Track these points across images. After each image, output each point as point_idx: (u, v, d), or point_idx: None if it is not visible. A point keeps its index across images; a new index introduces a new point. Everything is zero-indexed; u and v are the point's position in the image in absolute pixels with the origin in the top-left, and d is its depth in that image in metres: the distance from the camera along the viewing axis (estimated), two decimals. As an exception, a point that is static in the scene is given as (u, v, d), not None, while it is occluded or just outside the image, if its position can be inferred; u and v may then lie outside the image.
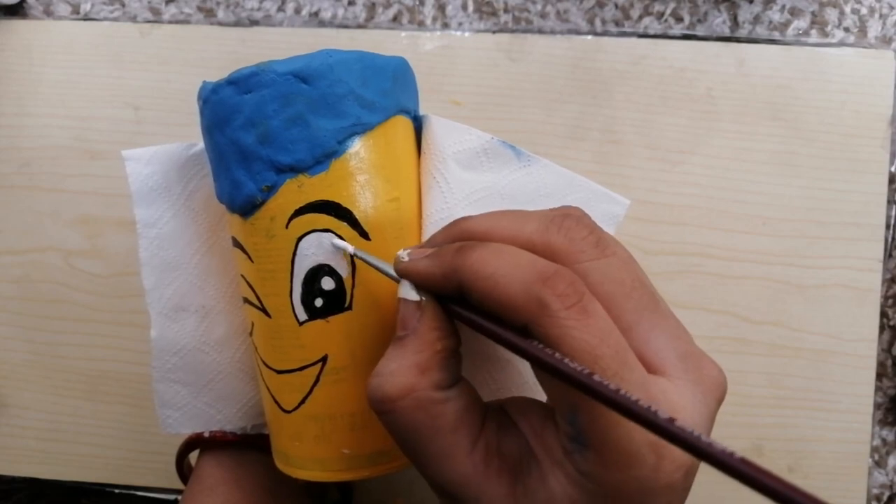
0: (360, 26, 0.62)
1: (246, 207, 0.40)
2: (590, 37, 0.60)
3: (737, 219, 0.59)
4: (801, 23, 0.61)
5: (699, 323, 0.59)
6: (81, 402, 0.63)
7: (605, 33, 0.61)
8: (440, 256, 0.35)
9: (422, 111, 0.45)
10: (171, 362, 0.48)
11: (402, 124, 0.42)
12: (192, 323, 0.47)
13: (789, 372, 0.59)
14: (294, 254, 0.39)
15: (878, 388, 0.61)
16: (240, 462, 0.51)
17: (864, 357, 0.59)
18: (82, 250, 0.62)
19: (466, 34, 0.60)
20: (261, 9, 0.62)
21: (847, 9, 0.61)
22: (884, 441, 0.61)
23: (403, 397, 0.33)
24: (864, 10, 0.61)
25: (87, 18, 0.63)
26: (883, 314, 0.61)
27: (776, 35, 0.61)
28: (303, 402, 0.41)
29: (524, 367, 0.43)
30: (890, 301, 0.61)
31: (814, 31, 0.61)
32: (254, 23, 0.62)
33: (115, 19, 0.63)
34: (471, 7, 0.62)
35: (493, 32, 0.60)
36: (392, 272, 0.37)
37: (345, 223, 0.39)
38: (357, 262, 0.39)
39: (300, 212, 0.39)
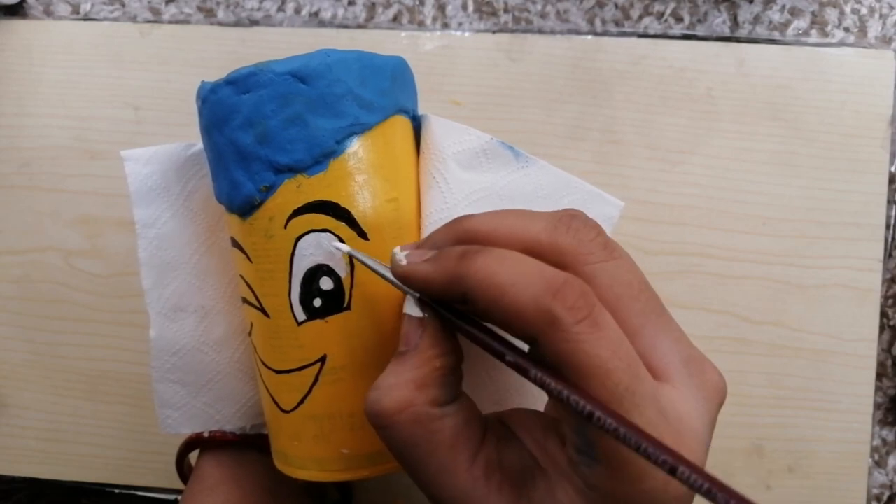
0: (360, 26, 0.62)
1: (244, 207, 0.40)
2: (590, 37, 0.60)
3: (737, 219, 0.59)
4: (801, 23, 0.61)
5: (699, 323, 0.59)
6: (81, 402, 0.63)
7: (605, 33, 0.61)
8: (442, 262, 0.34)
9: (422, 111, 0.45)
10: (171, 362, 0.48)
11: (401, 124, 0.42)
12: (191, 323, 0.47)
13: (789, 372, 0.59)
14: (292, 254, 0.39)
15: (878, 388, 0.61)
16: (239, 462, 0.51)
17: (864, 357, 0.59)
18: (82, 250, 0.62)
19: (466, 34, 0.60)
20: (261, 9, 0.62)
21: (847, 9, 0.61)
22: (884, 441, 0.61)
23: (400, 412, 0.33)
24: (864, 10, 0.61)
25: (87, 18, 0.63)
26: (883, 314, 0.61)
27: (776, 35, 0.61)
28: (302, 402, 0.41)
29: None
30: (890, 301, 0.61)
31: (814, 31, 0.61)
32: (254, 23, 0.62)
33: (115, 19, 0.63)
34: (471, 7, 0.62)
35: (493, 32, 0.60)
36: (392, 277, 0.36)
37: (343, 223, 0.39)
38: (356, 262, 0.39)
39: (299, 212, 0.39)
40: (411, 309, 0.36)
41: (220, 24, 0.62)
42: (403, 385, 0.34)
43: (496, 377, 0.43)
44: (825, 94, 0.59)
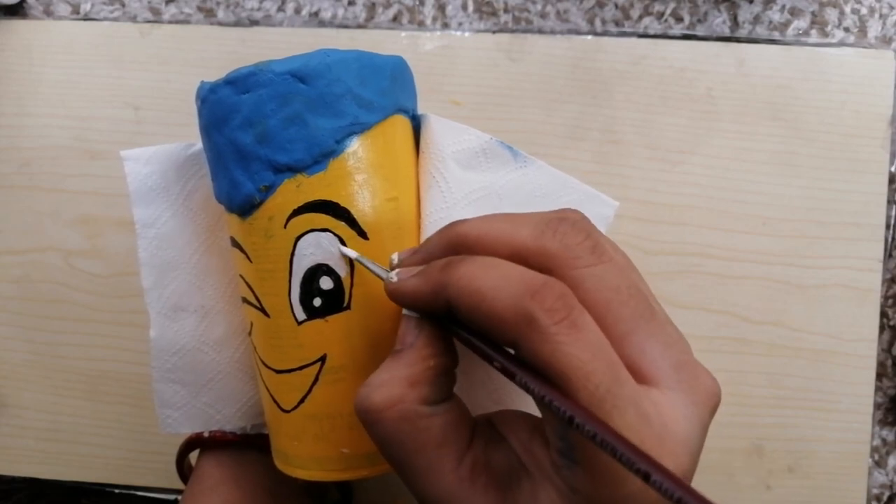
0: (360, 26, 0.62)
1: (244, 207, 0.40)
2: (590, 37, 0.60)
3: (737, 219, 0.59)
4: (801, 23, 0.61)
5: (699, 323, 0.59)
6: (81, 402, 0.63)
7: (605, 33, 0.61)
8: (427, 274, 0.34)
9: (422, 111, 0.45)
10: (171, 362, 0.48)
11: (401, 124, 0.42)
12: (191, 323, 0.47)
13: (789, 372, 0.59)
14: (292, 253, 0.39)
15: (878, 388, 0.61)
16: (240, 462, 0.51)
17: (864, 357, 0.59)
18: (82, 250, 0.62)
19: (466, 34, 0.60)
20: (261, 9, 0.62)
21: (847, 9, 0.61)
22: (884, 441, 0.61)
23: (389, 408, 0.33)
24: (864, 10, 0.61)
25: (87, 18, 0.63)
26: (883, 314, 0.61)
27: (776, 35, 0.61)
28: (302, 401, 0.41)
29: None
30: (890, 301, 0.61)
31: (814, 31, 0.61)
32: (254, 23, 0.62)
33: (115, 19, 0.63)
34: (471, 7, 0.62)
35: (493, 32, 0.60)
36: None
37: (343, 223, 0.39)
38: (356, 261, 0.39)
39: (298, 211, 0.39)
40: (409, 310, 0.36)
41: (220, 24, 0.62)
42: (395, 381, 0.34)
43: (494, 374, 0.43)
44: (825, 94, 0.59)
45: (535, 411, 0.35)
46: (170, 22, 0.63)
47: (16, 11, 0.63)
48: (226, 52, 0.61)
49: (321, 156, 0.39)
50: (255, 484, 0.51)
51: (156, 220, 0.46)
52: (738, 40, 0.60)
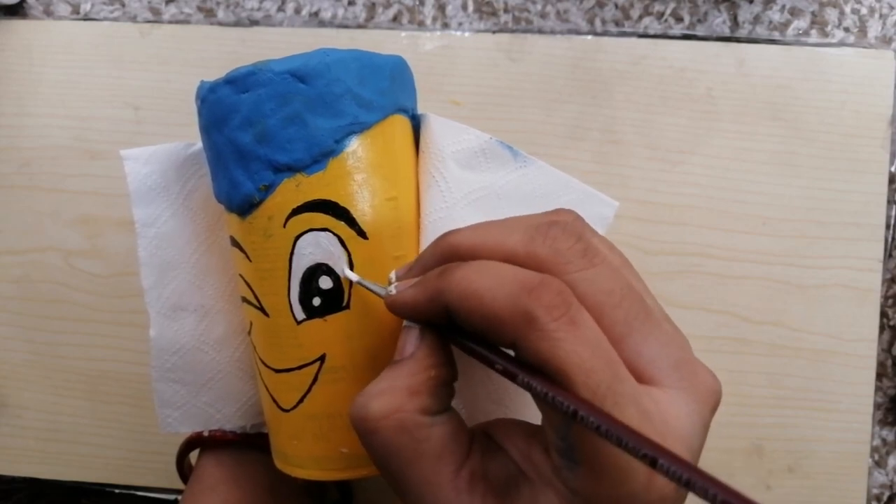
0: (360, 26, 0.62)
1: (244, 207, 0.40)
2: (590, 37, 0.60)
3: (737, 219, 0.59)
4: (801, 23, 0.61)
5: (699, 323, 0.59)
6: (81, 402, 0.63)
7: (605, 33, 0.61)
8: (425, 282, 0.34)
9: (421, 111, 0.45)
10: (171, 361, 0.48)
11: (400, 123, 0.42)
12: (191, 322, 0.47)
13: (789, 372, 0.59)
14: (292, 253, 0.39)
15: (878, 388, 0.61)
16: (240, 461, 0.51)
17: (864, 357, 0.59)
18: (82, 250, 0.62)
19: (466, 34, 0.60)
20: (261, 9, 0.62)
21: (847, 9, 0.61)
22: (884, 441, 0.61)
23: (387, 417, 0.33)
24: (864, 10, 0.61)
25: (87, 18, 0.63)
26: (883, 314, 0.61)
27: (776, 35, 0.61)
28: (301, 401, 0.41)
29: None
30: (890, 301, 0.61)
31: (814, 31, 0.61)
32: (254, 23, 0.62)
33: (115, 19, 0.63)
34: (471, 7, 0.62)
35: (493, 32, 0.60)
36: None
37: (342, 222, 0.39)
38: (355, 260, 0.39)
39: (298, 211, 0.39)
40: (409, 320, 0.36)
41: (220, 24, 0.62)
42: (394, 391, 0.33)
43: (494, 377, 0.43)
44: (825, 94, 0.59)
45: (534, 415, 0.35)
46: (170, 22, 0.63)
47: (16, 11, 0.63)
48: (226, 52, 0.61)
49: (320, 155, 0.39)
50: (255, 483, 0.51)
51: (156, 220, 0.46)
52: (738, 40, 0.60)
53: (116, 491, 0.64)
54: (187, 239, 0.47)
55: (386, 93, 0.41)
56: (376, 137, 0.40)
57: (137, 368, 0.62)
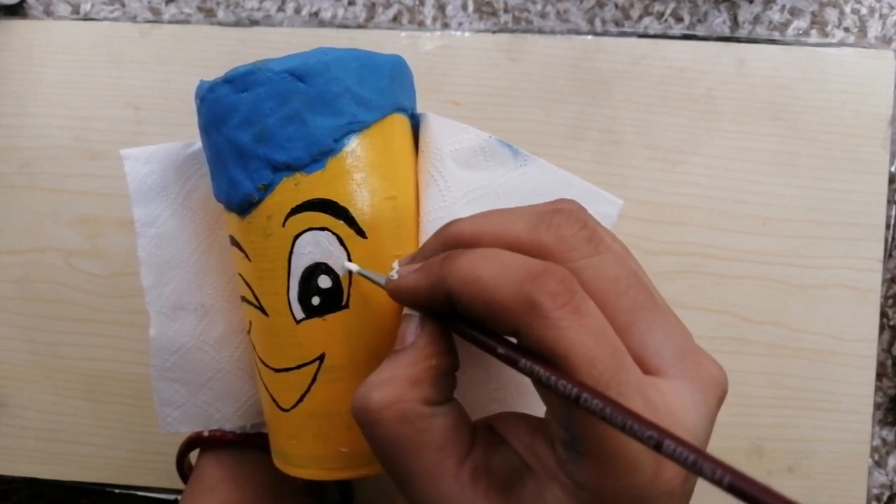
0: (360, 26, 0.62)
1: (243, 206, 0.40)
2: (590, 37, 0.60)
3: (737, 219, 0.59)
4: (801, 23, 0.61)
5: (699, 323, 0.59)
6: (81, 402, 0.63)
7: (605, 33, 0.61)
8: (426, 269, 0.34)
9: (421, 111, 0.45)
10: (171, 361, 0.48)
11: (399, 122, 0.42)
12: (190, 321, 0.47)
13: (789, 372, 0.59)
14: (291, 252, 0.39)
15: (878, 388, 0.61)
16: (240, 461, 0.51)
17: (864, 357, 0.59)
18: (82, 250, 0.62)
19: (466, 34, 0.60)
20: (261, 9, 0.62)
21: (847, 9, 0.61)
22: (884, 441, 0.61)
23: (389, 407, 0.32)
24: (864, 10, 0.61)
25: (87, 18, 0.63)
26: (883, 314, 0.61)
27: (776, 35, 0.61)
28: (300, 400, 0.41)
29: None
30: (890, 301, 0.61)
31: (814, 31, 0.61)
32: (254, 23, 0.62)
33: (115, 19, 0.63)
34: (471, 7, 0.62)
35: (493, 32, 0.60)
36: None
37: (341, 221, 0.39)
38: (354, 259, 0.39)
39: (297, 210, 0.39)
40: (410, 308, 0.36)
41: (220, 24, 0.62)
42: (396, 380, 0.33)
43: (495, 374, 0.43)
44: (825, 94, 0.59)
45: (537, 412, 0.35)
46: (170, 22, 0.63)
47: (16, 11, 0.63)
48: (226, 52, 0.61)
49: (319, 154, 0.38)
50: (255, 483, 0.51)
51: (155, 219, 0.46)
52: (738, 40, 0.60)
53: (116, 491, 0.64)
54: (187, 238, 0.47)
55: (385, 92, 0.41)
56: (375, 136, 0.40)
57: (137, 368, 0.62)
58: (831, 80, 0.59)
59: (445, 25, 0.62)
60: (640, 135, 0.59)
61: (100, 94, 0.62)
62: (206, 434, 0.51)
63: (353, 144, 0.39)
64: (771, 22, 0.61)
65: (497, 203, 0.43)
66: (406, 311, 0.36)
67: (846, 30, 0.61)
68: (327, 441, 0.41)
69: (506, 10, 0.61)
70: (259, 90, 0.38)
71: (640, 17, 0.61)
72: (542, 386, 0.30)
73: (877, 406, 0.61)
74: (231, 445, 0.51)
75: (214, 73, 0.41)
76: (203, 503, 0.50)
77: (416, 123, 0.45)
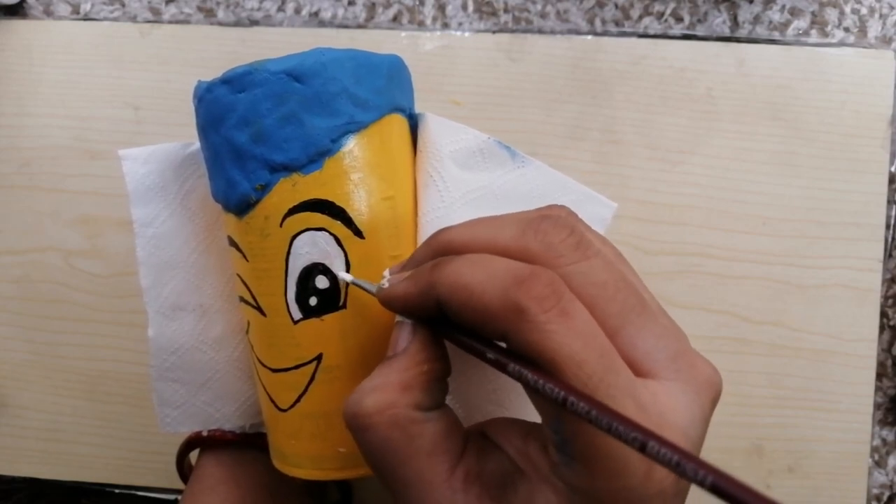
0: (360, 26, 0.62)
1: (240, 206, 0.40)
2: (590, 37, 0.60)
3: (737, 219, 0.59)
4: (801, 23, 0.61)
5: (699, 323, 0.59)
6: (81, 402, 0.63)
7: (605, 33, 0.61)
8: (417, 276, 0.34)
9: (421, 111, 0.45)
10: (170, 361, 0.48)
11: (397, 122, 0.42)
12: (189, 321, 0.47)
13: (789, 372, 0.59)
14: (288, 252, 0.39)
15: (878, 388, 0.61)
16: (239, 461, 0.51)
17: (864, 357, 0.59)
18: (82, 250, 0.62)
19: (466, 34, 0.60)
20: (261, 9, 0.62)
21: (847, 9, 0.61)
22: (884, 441, 0.61)
23: (380, 413, 0.32)
24: (864, 10, 0.61)
25: (87, 18, 0.63)
26: (883, 314, 0.60)
27: (776, 35, 0.61)
28: (298, 400, 0.41)
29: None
30: (890, 301, 0.61)
31: (814, 31, 0.61)
32: (254, 23, 0.62)
33: (115, 19, 0.63)
34: (471, 7, 0.62)
35: (493, 32, 0.60)
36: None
37: (339, 222, 0.39)
38: (352, 260, 0.39)
39: (294, 210, 0.39)
40: (402, 315, 0.36)
41: (220, 24, 0.62)
42: (388, 386, 0.33)
43: (493, 376, 0.43)
44: (825, 94, 0.59)
45: (533, 416, 0.35)
46: (170, 22, 0.63)
47: (16, 11, 0.63)
48: (226, 52, 0.61)
49: (317, 155, 0.38)
50: (254, 483, 0.51)
51: (154, 220, 0.46)
52: (738, 40, 0.60)
53: (116, 491, 0.64)
54: (185, 238, 0.47)
55: (382, 92, 0.41)
56: (373, 137, 0.40)
57: (137, 368, 0.62)
58: (831, 80, 0.59)
59: (445, 25, 0.62)
60: (640, 135, 0.59)
61: (100, 94, 0.62)
62: (205, 434, 0.51)
63: (351, 145, 0.39)
64: (771, 22, 0.61)
65: (495, 204, 0.43)
66: (399, 318, 0.36)
67: (846, 30, 0.61)
68: (325, 441, 0.41)
69: (506, 10, 0.61)
70: (256, 91, 0.38)
71: (640, 17, 0.61)
72: (530, 390, 0.30)
73: (877, 406, 0.61)
74: (230, 445, 0.51)
75: (214, 73, 0.41)
76: (203, 503, 0.50)
77: (414, 123, 0.45)
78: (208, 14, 0.63)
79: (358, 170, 0.39)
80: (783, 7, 0.61)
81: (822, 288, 0.59)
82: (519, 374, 0.30)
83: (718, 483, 0.23)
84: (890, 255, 0.60)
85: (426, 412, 0.33)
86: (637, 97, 0.59)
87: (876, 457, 0.61)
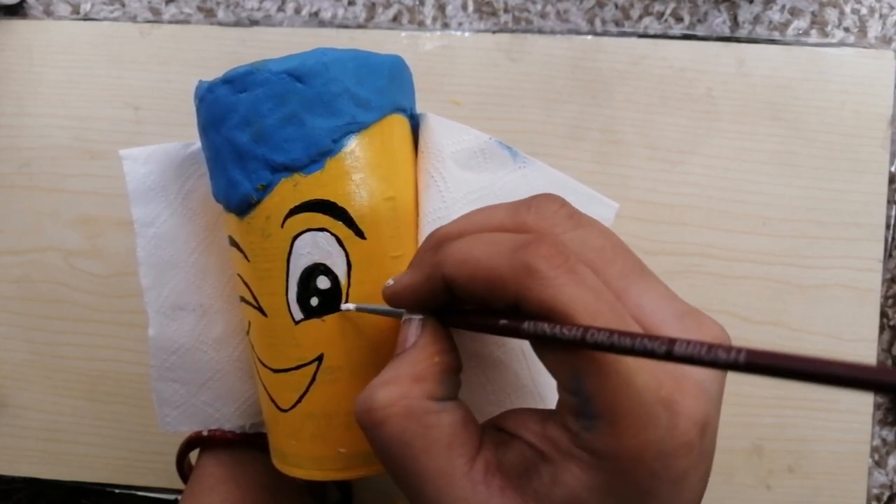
0: (360, 26, 0.62)
1: (242, 206, 0.40)
2: (590, 37, 0.60)
3: (737, 219, 0.59)
4: (801, 23, 0.61)
5: (699, 323, 0.59)
6: (81, 402, 0.63)
7: (605, 33, 0.61)
8: (419, 262, 0.34)
9: (422, 111, 0.45)
10: (170, 361, 0.48)
11: (398, 123, 0.42)
12: (190, 321, 0.47)
13: (789, 372, 0.59)
14: (289, 253, 0.39)
15: (878, 389, 0.61)
16: (239, 461, 0.51)
17: (864, 357, 0.59)
18: (82, 250, 0.62)
19: (466, 34, 0.60)
20: (261, 9, 0.62)
21: (847, 9, 0.61)
22: (884, 441, 0.61)
23: (394, 404, 0.32)
24: (864, 10, 0.61)
25: (87, 18, 0.63)
26: (883, 314, 0.60)
27: (776, 35, 0.61)
28: (299, 400, 0.41)
29: (519, 367, 0.43)
30: (890, 301, 0.61)
31: (814, 31, 0.61)
32: (254, 23, 0.62)
33: (115, 19, 0.63)
34: (471, 7, 0.62)
35: (493, 32, 0.60)
36: (392, 308, 0.37)
37: (340, 222, 0.39)
38: (353, 260, 0.39)
39: (295, 211, 0.39)
40: (409, 312, 0.36)
41: (220, 24, 0.62)
42: (400, 379, 0.33)
43: (494, 377, 0.43)
44: (825, 94, 0.59)
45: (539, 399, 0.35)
46: (170, 22, 0.63)
47: (16, 11, 0.63)
48: (226, 52, 0.61)
49: (318, 155, 0.38)
50: (255, 483, 0.51)
51: (154, 219, 0.46)
52: (738, 40, 0.60)
53: (116, 491, 0.64)
54: (186, 238, 0.47)
55: (384, 92, 0.41)
56: (374, 137, 0.40)
57: (137, 368, 0.62)
58: (831, 80, 0.59)
59: (445, 25, 0.62)
60: (640, 135, 0.59)
61: (100, 94, 0.62)
62: (205, 434, 0.51)
63: (352, 145, 0.39)
64: (771, 22, 0.61)
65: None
66: (405, 316, 0.36)
67: (846, 30, 0.61)
68: (326, 441, 0.41)
69: (506, 10, 0.61)
70: (257, 91, 0.38)
71: (640, 17, 0.61)
72: (546, 345, 0.31)
73: (877, 406, 0.61)
74: (231, 445, 0.51)
75: (214, 73, 0.41)
76: (203, 503, 0.50)
77: (415, 124, 0.45)
78: (208, 14, 0.63)
79: (359, 170, 0.39)
80: (783, 7, 0.61)
81: (822, 288, 0.59)
82: (535, 328, 0.29)
83: (752, 358, 0.23)
84: (890, 255, 0.60)
85: (441, 402, 0.33)
86: (637, 97, 0.59)
87: (876, 457, 0.61)
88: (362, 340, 0.40)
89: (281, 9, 0.62)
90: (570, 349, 0.29)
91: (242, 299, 0.43)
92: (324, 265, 0.39)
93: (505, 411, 0.36)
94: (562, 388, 0.31)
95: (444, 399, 0.34)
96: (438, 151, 0.43)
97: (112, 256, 0.62)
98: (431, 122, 0.44)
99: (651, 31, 0.61)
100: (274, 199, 0.39)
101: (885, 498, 0.61)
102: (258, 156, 0.39)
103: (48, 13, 0.64)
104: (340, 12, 0.62)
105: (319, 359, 0.40)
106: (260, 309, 0.41)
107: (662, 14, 0.61)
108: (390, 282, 0.36)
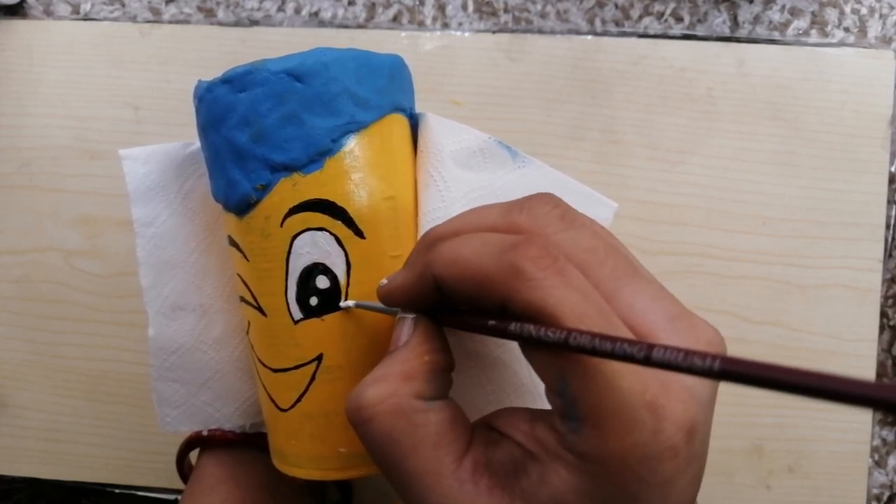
0: (360, 26, 0.62)
1: (241, 206, 0.40)
2: (590, 37, 0.60)
3: (737, 219, 0.59)
4: (801, 23, 0.61)
5: (699, 323, 0.59)
6: (81, 402, 0.63)
7: (605, 33, 0.61)
8: (412, 262, 0.34)
9: (421, 111, 0.45)
10: (170, 361, 0.48)
11: (398, 122, 0.42)
12: (189, 321, 0.47)
13: (789, 372, 0.59)
14: (289, 252, 0.39)
15: (878, 389, 0.61)
16: (240, 461, 0.51)
17: (864, 357, 0.59)
18: (82, 250, 0.62)
19: (466, 34, 0.60)
20: (261, 9, 0.62)
21: (847, 9, 0.61)
22: (884, 441, 0.61)
23: (383, 402, 0.32)
24: (864, 10, 0.61)
25: (87, 18, 0.63)
26: (883, 314, 0.60)
27: (776, 35, 0.61)
28: (298, 400, 0.41)
29: (518, 366, 0.43)
30: (890, 301, 0.61)
31: (814, 31, 0.61)
32: (254, 23, 0.62)
33: (115, 19, 0.63)
34: (471, 7, 0.62)
35: (493, 32, 0.60)
36: (386, 306, 0.37)
37: (339, 222, 0.39)
38: (352, 260, 0.39)
39: (295, 210, 0.39)
40: (402, 311, 0.36)
41: (220, 24, 0.62)
42: (389, 377, 0.33)
43: (492, 377, 0.43)
44: (825, 94, 0.59)
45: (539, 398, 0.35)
46: (170, 22, 0.63)
47: (16, 11, 0.63)
48: (226, 52, 0.61)
49: (317, 155, 0.39)
50: (255, 483, 0.51)
51: (154, 219, 0.46)
52: (738, 40, 0.60)
53: (116, 491, 0.64)
54: (186, 238, 0.47)
55: (383, 92, 0.41)
56: (374, 136, 0.40)
57: (137, 368, 0.62)
58: (831, 80, 0.59)
59: (445, 25, 0.62)
60: (640, 135, 0.59)
61: (100, 94, 0.62)
62: (205, 434, 0.51)
63: (352, 145, 0.39)
64: (771, 22, 0.61)
65: None
66: (399, 315, 0.36)
67: (846, 30, 0.61)
68: (325, 441, 0.41)
69: (506, 10, 0.61)
70: (257, 90, 0.38)
71: (640, 17, 0.61)
72: (531, 346, 0.31)
73: (877, 406, 0.61)
74: (231, 445, 0.51)
75: (214, 73, 0.41)
76: (203, 503, 0.50)
77: (414, 123, 0.45)
78: (208, 14, 0.63)
79: (359, 170, 0.39)
80: (783, 7, 0.61)
81: (822, 288, 0.59)
82: (520, 330, 0.29)
83: (726, 366, 0.23)
84: (890, 255, 0.60)
85: (429, 402, 0.33)
86: (637, 97, 0.59)
87: (876, 457, 0.61)
88: (361, 340, 0.40)
89: (281, 9, 0.62)
90: (556, 351, 0.29)
91: (242, 299, 0.43)
92: (323, 265, 0.39)
93: (497, 410, 0.36)
94: (549, 389, 0.31)
95: (433, 398, 0.34)
96: (438, 151, 0.43)
97: (112, 256, 0.62)
98: (431, 121, 0.44)
99: (651, 31, 0.61)
100: (273, 198, 0.39)
101: (885, 498, 0.61)
102: (257, 155, 0.39)
103: (48, 13, 0.64)
104: (340, 12, 0.62)
105: (319, 358, 0.40)
106: (259, 309, 0.41)
107: (662, 14, 0.61)
108: (384, 281, 0.37)
